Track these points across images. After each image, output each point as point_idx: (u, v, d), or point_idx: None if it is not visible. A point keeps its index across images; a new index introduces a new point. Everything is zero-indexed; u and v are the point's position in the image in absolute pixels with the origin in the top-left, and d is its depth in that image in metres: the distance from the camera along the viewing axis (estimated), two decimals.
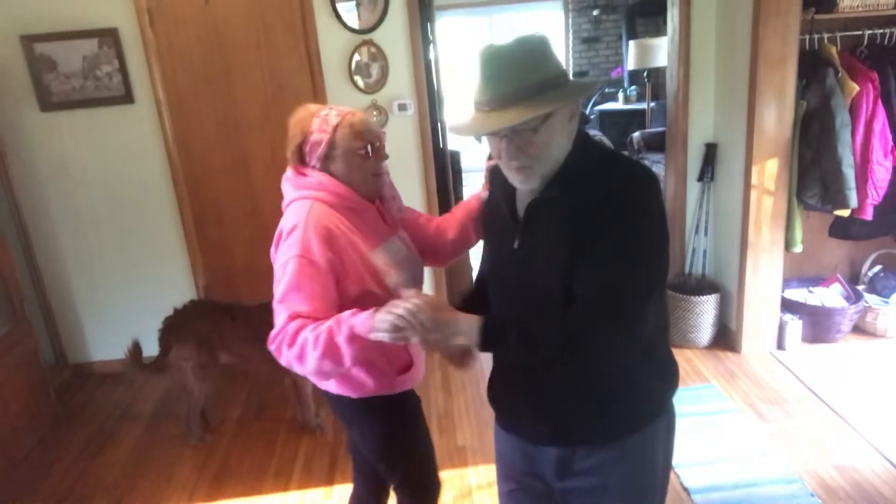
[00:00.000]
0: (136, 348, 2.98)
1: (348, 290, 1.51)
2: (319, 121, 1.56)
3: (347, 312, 1.36)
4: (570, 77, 1.25)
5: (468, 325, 1.17)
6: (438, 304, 1.21)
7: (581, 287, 1.15)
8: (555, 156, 1.18)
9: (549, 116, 1.13)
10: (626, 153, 6.20)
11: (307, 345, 1.37)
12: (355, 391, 1.65)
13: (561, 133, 1.17)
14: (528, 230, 1.25)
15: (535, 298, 1.24)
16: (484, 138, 1.20)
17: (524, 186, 1.22)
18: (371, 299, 1.47)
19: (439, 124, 3.74)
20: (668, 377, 1.34)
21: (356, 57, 3.33)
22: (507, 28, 8.17)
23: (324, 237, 1.48)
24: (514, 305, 1.30)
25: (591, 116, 7.49)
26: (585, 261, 1.14)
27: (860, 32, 3.08)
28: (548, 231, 1.20)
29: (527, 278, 1.25)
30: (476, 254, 1.72)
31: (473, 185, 7.10)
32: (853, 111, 3.06)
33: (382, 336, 1.22)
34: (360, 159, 1.56)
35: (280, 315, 1.43)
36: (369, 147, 1.56)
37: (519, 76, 1.12)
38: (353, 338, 1.32)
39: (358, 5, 3.27)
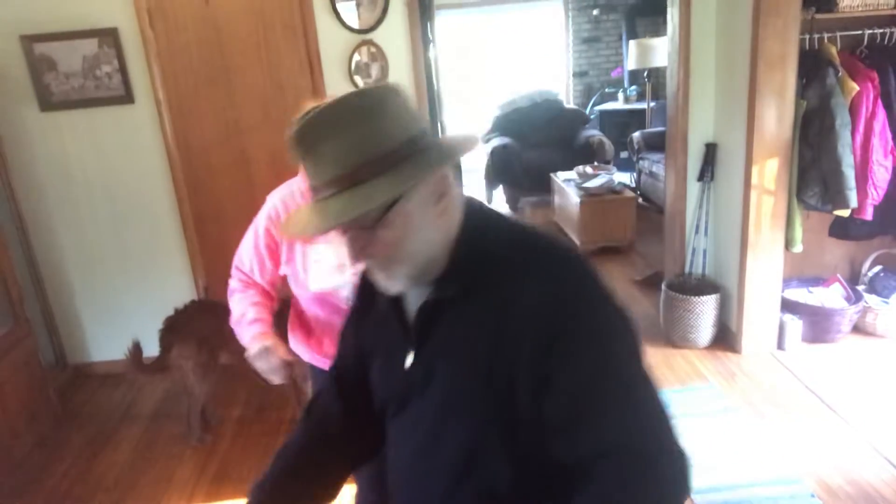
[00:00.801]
0: (136, 349, 2.97)
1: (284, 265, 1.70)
2: None
3: (249, 316, 1.65)
4: (442, 134, 1.03)
5: None
6: None
7: (578, 447, 0.83)
8: (418, 252, 0.88)
9: (395, 205, 0.84)
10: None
11: (234, 310, 1.71)
12: None
13: (422, 222, 0.87)
14: (424, 344, 0.94)
15: (452, 447, 0.91)
16: None
17: (391, 290, 0.93)
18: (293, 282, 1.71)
19: (439, 124, 3.74)
20: None
21: (356, 57, 3.33)
22: (507, 27, 8.17)
23: (269, 218, 1.68)
24: (418, 464, 0.97)
25: (592, 116, 7.49)
26: (566, 410, 0.83)
27: (860, 32, 3.08)
28: (454, 348, 0.90)
29: (428, 411, 0.94)
30: None
31: (473, 186, 7.09)
32: (853, 111, 3.06)
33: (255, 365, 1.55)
34: None
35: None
36: None
37: (338, 156, 0.82)
38: (241, 339, 1.65)
39: (358, 5, 3.27)
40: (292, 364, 1.59)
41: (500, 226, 0.95)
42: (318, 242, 1.62)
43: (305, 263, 1.68)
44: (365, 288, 1.08)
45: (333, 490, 1.08)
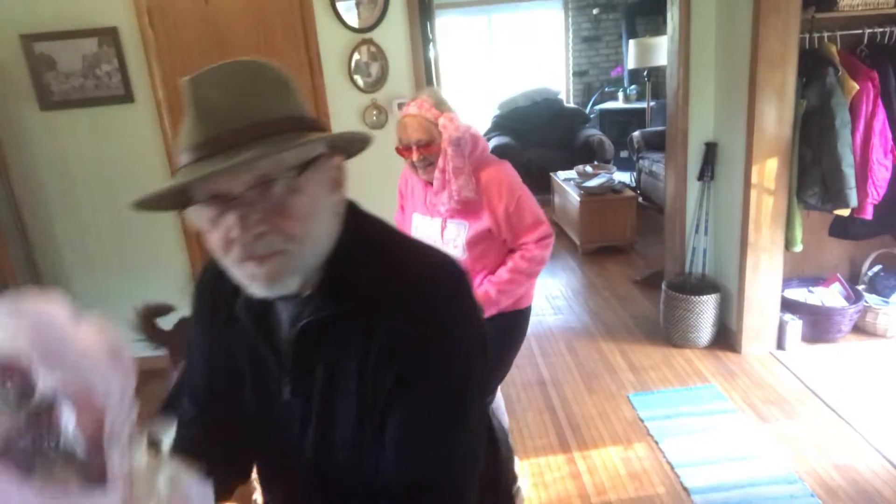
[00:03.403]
0: (147, 312, 2.71)
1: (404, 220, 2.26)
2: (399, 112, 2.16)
3: None
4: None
5: None
6: None
7: (393, 472, 0.80)
8: (319, 237, 0.79)
9: (310, 166, 0.75)
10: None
11: None
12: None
13: (325, 203, 0.79)
14: (300, 372, 0.84)
15: (341, 482, 0.86)
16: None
17: (271, 291, 0.78)
18: None
19: None
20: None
21: (356, 56, 3.32)
22: (507, 27, 8.16)
23: (402, 174, 2.27)
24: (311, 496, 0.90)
25: (592, 116, 7.48)
26: (394, 429, 0.79)
27: (860, 31, 3.08)
28: (333, 380, 0.82)
29: (321, 449, 0.86)
30: None
31: None
32: (853, 110, 3.06)
33: None
34: (401, 154, 2.03)
35: None
36: (404, 147, 2.00)
37: (259, 103, 0.75)
38: None
39: (358, 4, 3.27)
40: None
41: (377, 237, 0.86)
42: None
43: (409, 226, 2.17)
44: (208, 297, 0.94)
45: None
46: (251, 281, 0.78)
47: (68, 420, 0.61)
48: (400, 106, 3.40)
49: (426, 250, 0.87)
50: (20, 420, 0.59)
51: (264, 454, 0.96)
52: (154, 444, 0.69)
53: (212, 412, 0.98)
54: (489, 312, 2.02)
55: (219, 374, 0.95)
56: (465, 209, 2.03)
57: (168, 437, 0.71)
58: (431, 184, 2.06)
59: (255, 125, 0.73)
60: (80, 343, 0.67)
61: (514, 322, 2.19)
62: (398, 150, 2.04)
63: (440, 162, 1.98)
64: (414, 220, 2.19)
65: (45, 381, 0.61)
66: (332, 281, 0.81)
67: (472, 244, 2.06)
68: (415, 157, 1.99)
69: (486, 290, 2.04)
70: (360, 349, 0.79)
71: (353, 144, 0.85)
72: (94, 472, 0.61)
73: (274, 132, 0.74)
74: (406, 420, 0.79)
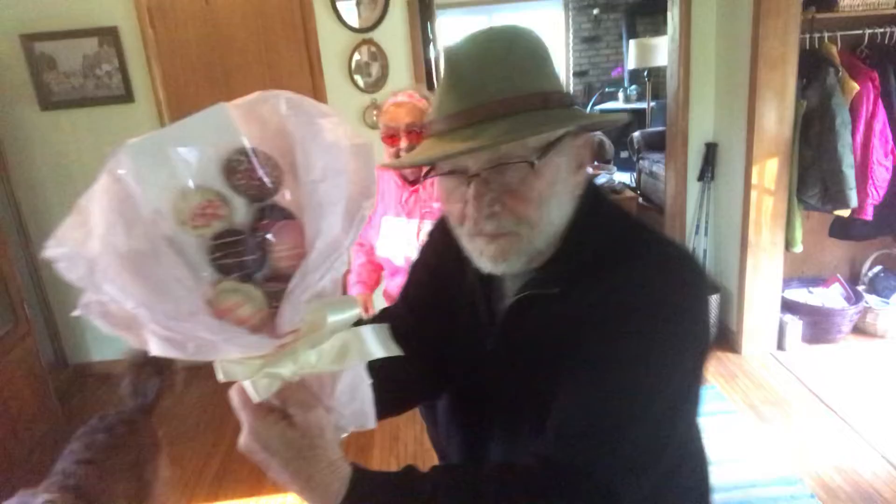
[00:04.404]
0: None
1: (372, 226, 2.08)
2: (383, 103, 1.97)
3: (353, 279, 2.12)
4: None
5: (328, 474, 0.68)
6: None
7: (547, 434, 0.77)
8: (552, 222, 0.77)
9: (552, 148, 0.74)
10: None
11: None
12: None
13: (564, 185, 0.77)
14: (506, 335, 0.85)
15: (512, 431, 0.86)
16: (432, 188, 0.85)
17: (496, 268, 0.79)
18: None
19: None
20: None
21: (356, 56, 3.32)
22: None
23: None
24: (485, 427, 0.90)
25: None
26: (560, 396, 0.77)
27: (860, 31, 3.08)
28: (536, 348, 0.81)
29: (504, 399, 0.86)
30: None
31: None
32: (853, 110, 3.05)
33: None
34: (386, 142, 1.90)
35: None
36: (389, 133, 1.89)
37: (511, 77, 0.73)
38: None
39: (358, 4, 3.27)
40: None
41: (615, 221, 0.84)
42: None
43: (378, 231, 2.02)
44: (446, 249, 0.92)
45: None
46: (479, 256, 0.79)
47: (272, 247, 0.58)
48: None
49: (663, 240, 0.83)
50: (248, 218, 0.56)
51: (446, 387, 0.96)
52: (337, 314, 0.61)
53: (420, 330, 0.96)
54: None
55: (436, 299, 0.97)
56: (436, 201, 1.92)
57: (347, 314, 0.60)
58: (409, 181, 1.95)
59: (502, 102, 0.72)
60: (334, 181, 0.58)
61: None
62: (383, 139, 1.92)
63: None
64: (384, 225, 2.02)
65: (282, 194, 0.58)
66: (560, 260, 0.80)
67: None
68: (403, 143, 1.86)
69: None
70: (569, 327, 0.77)
71: (603, 124, 0.82)
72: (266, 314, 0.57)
73: (520, 109, 0.72)
74: (584, 400, 0.75)
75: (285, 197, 0.59)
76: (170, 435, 3.14)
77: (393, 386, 0.84)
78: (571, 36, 8.02)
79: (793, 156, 3.11)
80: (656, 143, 5.65)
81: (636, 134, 6.24)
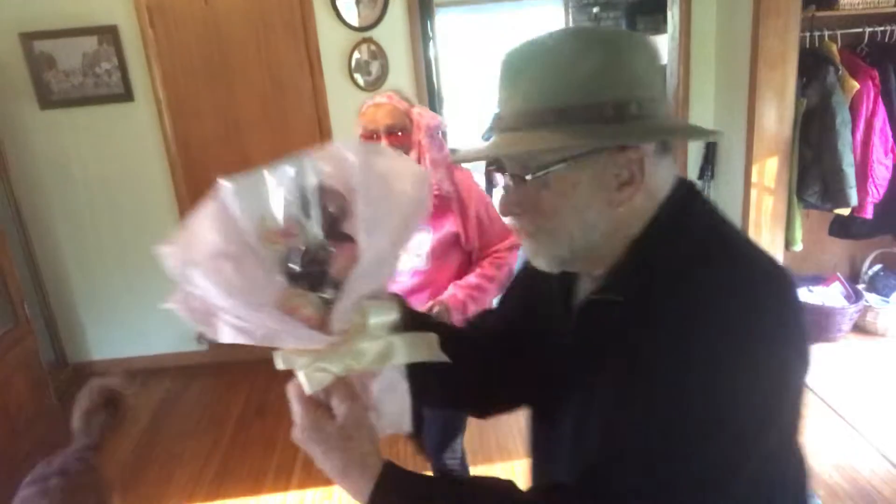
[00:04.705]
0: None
1: None
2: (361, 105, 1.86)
3: None
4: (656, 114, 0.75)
5: (360, 466, 0.73)
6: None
7: (598, 453, 0.75)
8: (572, 233, 0.77)
9: (557, 165, 0.73)
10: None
11: None
12: None
13: (589, 201, 0.75)
14: (580, 335, 0.84)
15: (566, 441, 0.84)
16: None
17: (535, 265, 0.82)
18: None
19: None
20: None
21: (356, 55, 3.32)
22: (507, 25, 8.16)
23: None
24: (554, 433, 0.88)
25: None
26: (613, 413, 0.74)
27: (860, 30, 3.08)
28: (598, 356, 0.79)
29: (571, 406, 0.84)
30: None
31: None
32: (853, 109, 3.05)
33: None
34: (366, 139, 1.80)
35: None
36: (368, 134, 1.78)
37: (529, 91, 0.74)
38: None
39: (358, 3, 3.26)
40: None
41: (694, 229, 0.78)
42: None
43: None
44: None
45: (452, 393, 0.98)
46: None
47: (332, 263, 0.71)
48: None
49: (755, 253, 0.76)
50: (316, 239, 0.71)
51: (523, 392, 0.96)
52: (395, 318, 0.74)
53: (514, 330, 0.97)
54: (456, 319, 1.80)
55: (528, 300, 0.97)
56: (434, 212, 1.82)
57: (386, 317, 0.72)
58: None
59: (517, 115, 0.75)
60: (390, 201, 0.72)
61: None
62: (362, 139, 1.82)
63: (413, 155, 1.81)
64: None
65: (348, 221, 0.72)
66: (625, 269, 0.78)
67: (437, 252, 1.86)
68: (383, 144, 1.76)
69: (454, 293, 1.83)
70: (631, 339, 0.74)
71: (675, 136, 0.78)
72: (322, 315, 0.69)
73: (530, 124, 0.73)
74: (638, 421, 0.71)
75: (349, 222, 0.72)
76: (170, 435, 3.15)
77: (484, 389, 0.90)
78: None
79: (793, 154, 3.10)
80: None
81: None
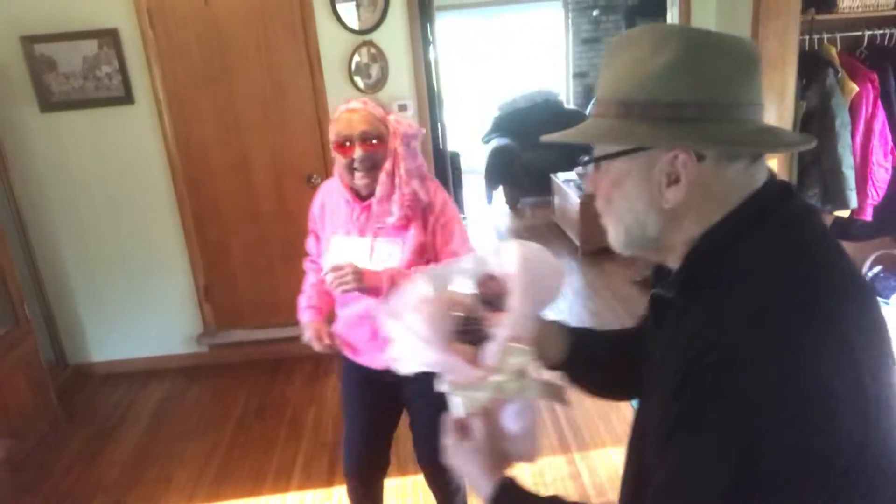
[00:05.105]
0: None
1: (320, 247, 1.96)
2: (334, 111, 1.82)
3: (303, 302, 1.95)
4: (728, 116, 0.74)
5: (484, 479, 0.89)
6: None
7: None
8: (623, 218, 0.81)
9: (611, 155, 0.79)
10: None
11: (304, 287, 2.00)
12: None
13: (636, 192, 0.78)
14: (650, 326, 0.88)
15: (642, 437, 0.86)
16: None
17: (609, 243, 0.87)
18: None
19: (439, 125, 3.75)
20: None
21: (356, 58, 3.33)
22: (507, 28, 8.17)
23: (316, 195, 1.95)
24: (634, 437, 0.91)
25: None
26: (661, 452, 0.72)
27: (860, 33, 3.08)
28: (664, 350, 0.79)
29: (642, 405, 0.90)
30: None
31: (474, 186, 7.06)
32: (853, 111, 3.06)
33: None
34: (336, 151, 1.75)
35: None
36: (342, 142, 1.72)
37: (606, 81, 0.79)
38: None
39: (358, 6, 3.27)
40: (332, 346, 1.83)
41: (764, 240, 0.74)
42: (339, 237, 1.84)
43: (323, 252, 1.89)
44: None
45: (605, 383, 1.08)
46: None
47: (489, 325, 0.96)
48: (401, 108, 3.40)
49: (843, 270, 0.73)
50: (477, 310, 0.98)
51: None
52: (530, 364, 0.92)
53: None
54: (376, 294, 1.68)
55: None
56: (406, 223, 1.76)
57: (523, 359, 0.91)
58: (362, 197, 1.78)
59: (601, 102, 0.80)
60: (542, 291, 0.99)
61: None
62: (335, 148, 1.73)
63: (387, 164, 1.73)
64: (332, 245, 1.84)
65: (501, 297, 0.97)
66: (686, 266, 0.79)
67: (409, 263, 1.76)
68: (357, 153, 1.69)
69: (388, 272, 1.71)
70: (678, 344, 0.73)
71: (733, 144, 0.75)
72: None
73: (600, 114, 0.80)
74: (672, 461, 0.69)
75: (502, 298, 0.98)
76: (170, 435, 3.15)
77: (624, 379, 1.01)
78: (571, 37, 8.02)
79: (792, 156, 3.11)
80: None
81: None
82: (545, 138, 0.87)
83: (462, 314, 0.98)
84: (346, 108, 1.75)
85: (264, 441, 3.01)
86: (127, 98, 3.36)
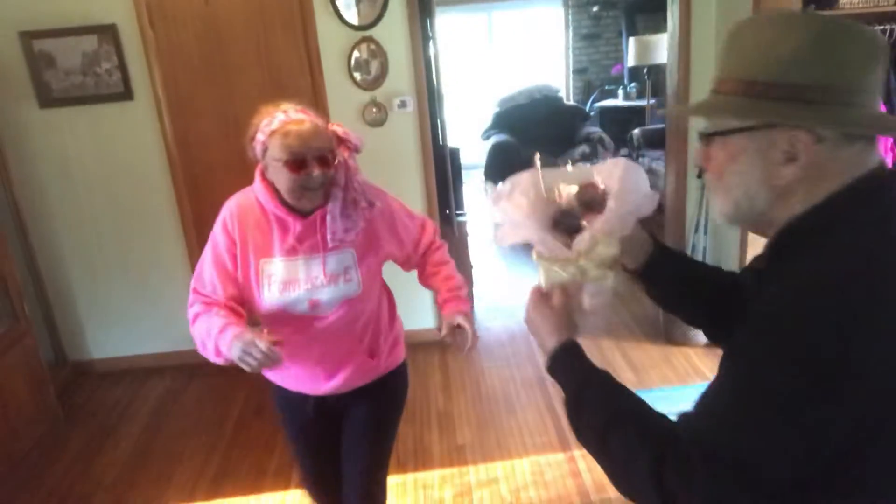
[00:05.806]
0: None
1: (239, 275, 1.65)
2: (266, 122, 1.54)
3: (217, 326, 1.52)
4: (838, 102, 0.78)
5: (552, 336, 1.00)
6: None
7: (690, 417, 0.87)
8: (734, 192, 0.85)
9: (729, 131, 0.83)
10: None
11: (198, 334, 1.59)
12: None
13: (749, 168, 0.82)
14: (748, 295, 0.94)
15: None
16: None
17: (714, 215, 0.93)
18: (249, 299, 1.65)
19: (439, 121, 3.73)
20: None
21: (356, 54, 3.32)
22: (507, 24, 8.16)
23: (224, 219, 1.67)
24: None
25: (591, 113, 7.48)
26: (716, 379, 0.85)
27: None
28: (745, 311, 0.84)
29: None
30: None
31: (474, 183, 7.07)
32: None
33: (243, 366, 1.45)
34: (286, 170, 1.49)
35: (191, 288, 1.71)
36: (297, 160, 1.48)
37: (732, 62, 0.84)
38: (219, 353, 1.53)
39: (357, 2, 3.26)
40: (280, 341, 1.47)
41: (854, 223, 0.78)
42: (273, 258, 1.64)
43: (259, 279, 1.61)
44: None
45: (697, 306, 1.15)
46: None
47: (584, 220, 1.04)
48: (402, 104, 3.39)
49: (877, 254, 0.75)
50: (574, 206, 1.06)
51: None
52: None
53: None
54: (466, 308, 1.70)
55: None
56: (368, 234, 1.65)
57: (611, 249, 1.02)
58: (305, 214, 1.58)
59: (723, 80, 0.85)
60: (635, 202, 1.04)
61: (402, 380, 1.89)
62: (286, 165, 1.49)
63: (340, 177, 1.55)
64: (269, 271, 1.61)
65: (598, 203, 1.05)
66: (776, 242, 0.86)
67: (371, 272, 1.67)
68: (315, 172, 1.49)
69: (456, 305, 1.69)
70: (756, 306, 0.80)
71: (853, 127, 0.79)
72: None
73: (723, 91, 0.84)
74: (718, 384, 0.83)
75: (599, 203, 1.05)
76: (169, 435, 3.15)
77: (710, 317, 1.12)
78: (571, 33, 8.01)
79: None
80: (656, 141, 5.64)
81: (636, 131, 6.23)
82: (665, 112, 0.91)
83: (563, 206, 1.08)
84: (287, 120, 1.51)
85: (264, 440, 3.01)
86: (126, 94, 3.35)
